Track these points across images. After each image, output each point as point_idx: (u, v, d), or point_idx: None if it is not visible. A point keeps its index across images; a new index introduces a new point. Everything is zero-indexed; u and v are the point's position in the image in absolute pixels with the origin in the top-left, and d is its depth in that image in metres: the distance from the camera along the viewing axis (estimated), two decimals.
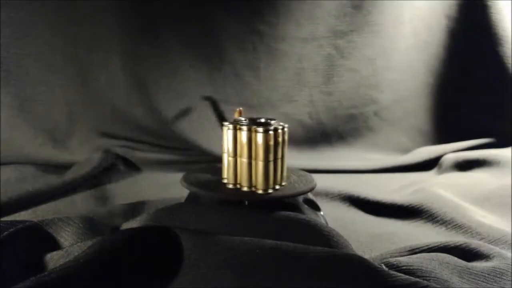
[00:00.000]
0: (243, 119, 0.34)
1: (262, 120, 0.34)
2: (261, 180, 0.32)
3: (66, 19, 0.76)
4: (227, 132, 0.33)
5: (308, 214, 0.34)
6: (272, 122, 0.33)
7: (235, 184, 0.33)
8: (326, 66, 0.84)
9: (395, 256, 0.32)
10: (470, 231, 0.40)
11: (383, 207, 0.48)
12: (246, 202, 0.33)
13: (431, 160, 0.72)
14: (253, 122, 0.33)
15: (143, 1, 0.78)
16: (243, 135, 0.32)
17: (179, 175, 0.38)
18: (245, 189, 0.32)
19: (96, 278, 0.25)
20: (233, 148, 0.33)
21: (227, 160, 0.33)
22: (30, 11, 0.74)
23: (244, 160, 0.32)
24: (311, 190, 0.34)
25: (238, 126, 0.33)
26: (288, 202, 0.35)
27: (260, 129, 0.31)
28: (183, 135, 0.80)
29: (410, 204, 0.47)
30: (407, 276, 0.24)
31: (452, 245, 0.32)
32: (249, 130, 0.32)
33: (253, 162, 0.32)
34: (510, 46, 0.81)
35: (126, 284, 0.26)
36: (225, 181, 0.34)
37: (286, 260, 0.25)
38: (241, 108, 0.36)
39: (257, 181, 0.32)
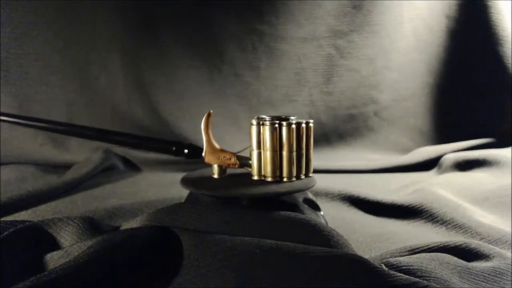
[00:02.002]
0: (266, 116, 0.35)
1: (283, 117, 0.34)
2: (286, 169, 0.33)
3: (66, 19, 0.76)
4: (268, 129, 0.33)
5: (308, 214, 0.34)
6: (291, 118, 0.34)
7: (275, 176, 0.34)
8: (326, 66, 0.84)
9: (395, 256, 0.32)
10: (470, 231, 0.40)
11: (383, 207, 0.48)
12: (245, 202, 0.33)
13: (431, 160, 0.72)
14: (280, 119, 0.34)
15: (143, 1, 0.78)
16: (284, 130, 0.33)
17: (179, 175, 0.38)
18: (269, 179, 0.34)
19: (96, 278, 0.25)
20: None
21: (265, 155, 0.34)
22: (30, 11, 0.74)
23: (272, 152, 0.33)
24: (310, 187, 0.34)
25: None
26: (288, 202, 0.35)
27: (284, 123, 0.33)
28: (183, 135, 0.80)
29: (410, 204, 0.47)
30: (407, 276, 0.24)
31: (452, 245, 0.32)
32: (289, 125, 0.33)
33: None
34: (510, 46, 0.81)
35: (126, 284, 0.26)
36: (256, 177, 0.35)
37: (286, 260, 0.25)
38: (211, 111, 0.36)
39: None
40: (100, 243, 0.27)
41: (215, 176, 0.36)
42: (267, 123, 0.33)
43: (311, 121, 0.34)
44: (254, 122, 0.34)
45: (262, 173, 0.34)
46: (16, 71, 0.75)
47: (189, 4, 0.80)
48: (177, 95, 0.82)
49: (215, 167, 0.36)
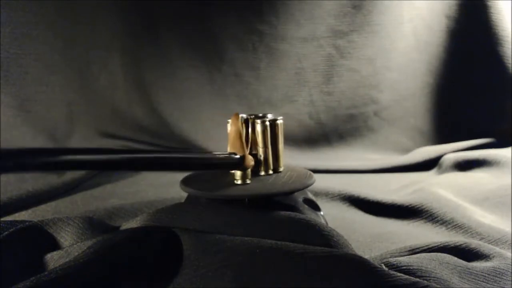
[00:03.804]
0: (244, 115, 0.36)
1: (260, 115, 0.36)
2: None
3: (66, 19, 0.76)
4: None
5: (308, 214, 0.34)
6: (268, 115, 0.36)
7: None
8: (326, 66, 0.84)
9: (395, 256, 0.32)
10: (470, 231, 0.40)
11: (383, 207, 0.48)
12: (247, 200, 0.33)
13: (431, 160, 0.72)
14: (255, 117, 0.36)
15: (143, 1, 0.78)
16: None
17: (179, 175, 0.38)
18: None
19: (96, 278, 0.25)
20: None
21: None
22: (30, 11, 0.74)
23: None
24: (310, 185, 0.34)
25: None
26: (288, 202, 0.35)
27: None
28: (183, 135, 0.80)
29: (410, 204, 0.47)
30: (407, 276, 0.24)
31: (452, 245, 0.32)
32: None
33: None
34: (510, 46, 0.81)
35: (126, 284, 0.26)
36: (263, 173, 0.37)
37: (286, 260, 0.25)
38: (237, 113, 0.36)
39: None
40: (100, 243, 0.27)
41: (239, 182, 0.34)
42: (266, 120, 0.35)
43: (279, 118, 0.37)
44: (259, 121, 0.35)
45: (269, 168, 0.36)
46: (16, 71, 0.75)
47: (189, 4, 0.80)
48: (177, 95, 0.82)
49: (239, 173, 0.34)
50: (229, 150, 0.33)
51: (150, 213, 0.32)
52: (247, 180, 0.34)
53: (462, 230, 0.41)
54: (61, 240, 0.31)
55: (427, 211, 0.45)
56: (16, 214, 0.48)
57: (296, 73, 0.84)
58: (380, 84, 0.86)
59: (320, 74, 0.85)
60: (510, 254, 0.31)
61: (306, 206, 0.36)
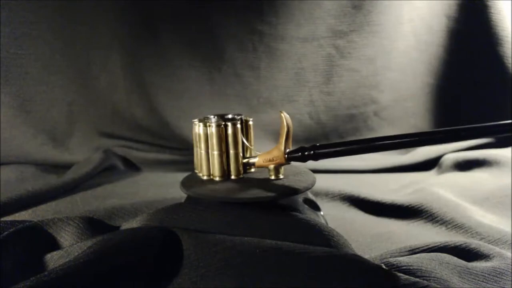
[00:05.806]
0: (212, 116, 0.37)
1: (229, 116, 0.37)
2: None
3: (66, 19, 0.76)
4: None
5: (308, 214, 0.34)
6: (237, 117, 0.36)
7: (209, 175, 0.36)
8: (326, 66, 0.84)
9: (395, 256, 0.32)
10: (470, 231, 0.40)
11: (383, 207, 0.48)
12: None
13: (431, 160, 0.72)
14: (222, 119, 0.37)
15: (143, 1, 0.78)
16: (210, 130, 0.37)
17: (179, 175, 0.38)
18: (205, 178, 0.36)
19: (96, 278, 0.25)
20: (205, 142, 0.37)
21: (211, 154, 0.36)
22: (30, 11, 0.74)
23: (215, 152, 0.36)
24: (311, 186, 0.34)
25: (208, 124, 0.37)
26: (288, 202, 0.35)
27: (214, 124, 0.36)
28: (183, 135, 0.80)
29: (410, 204, 0.47)
30: (407, 276, 0.24)
31: (452, 245, 0.32)
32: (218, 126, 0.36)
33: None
34: (510, 46, 0.81)
35: (126, 284, 0.26)
36: (200, 174, 0.37)
37: (286, 260, 0.25)
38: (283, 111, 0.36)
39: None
40: (100, 243, 0.27)
41: (274, 177, 0.35)
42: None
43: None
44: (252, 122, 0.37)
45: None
46: (16, 71, 0.75)
47: (189, 4, 0.80)
48: (177, 95, 0.82)
49: (272, 167, 0.35)
50: (282, 145, 0.34)
51: (150, 213, 0.32)
52: (280, 175, 0.35)
53: (462, 230, 0.41)
54: (61, 240, 0.31)
55: (427, 211, 0.45)
56: (16, 214, 0.48)
57: (296, 73, 0.84)
58: (380, 84, 0.86)
59: (320, 74, 0.85)
60: (510, 254, 0.31)
61: (306, 206, 0.36)
